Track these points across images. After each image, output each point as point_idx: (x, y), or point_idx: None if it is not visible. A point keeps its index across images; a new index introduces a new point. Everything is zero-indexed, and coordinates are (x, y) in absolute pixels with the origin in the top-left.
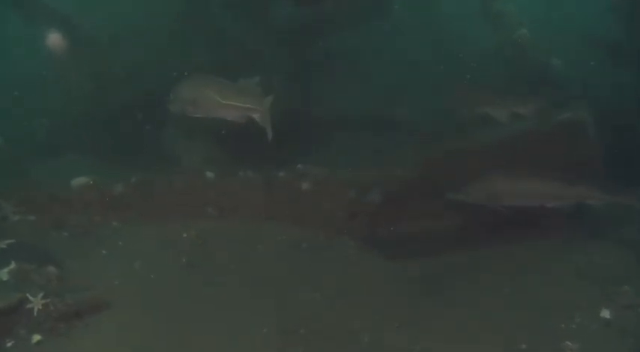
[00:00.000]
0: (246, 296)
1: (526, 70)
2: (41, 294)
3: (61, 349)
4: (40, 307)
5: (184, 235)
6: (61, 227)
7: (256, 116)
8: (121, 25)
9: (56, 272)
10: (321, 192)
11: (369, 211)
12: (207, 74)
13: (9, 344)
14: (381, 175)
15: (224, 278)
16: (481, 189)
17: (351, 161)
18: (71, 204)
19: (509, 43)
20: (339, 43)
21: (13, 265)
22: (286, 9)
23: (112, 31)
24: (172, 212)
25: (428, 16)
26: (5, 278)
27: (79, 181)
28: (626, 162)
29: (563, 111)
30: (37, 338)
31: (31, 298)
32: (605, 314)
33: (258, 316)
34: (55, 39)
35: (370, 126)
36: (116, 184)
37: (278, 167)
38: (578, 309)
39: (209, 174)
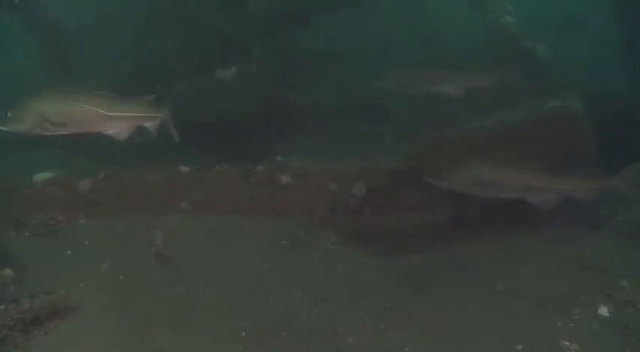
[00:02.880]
0: (223, 296)
1: (511, 57)
2: None
3: None
4: None
5: (156, 234)
6: (21, 226)
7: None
8: (93, 14)
9: (13, 276)
10: (302, 185)
11: (352, 204)
12: (59, 87)
13: None
14: (364, 166)
15: (199, 279)
16: (460, 175)
17: (333, 152)
18: (33, 201)
19: (495, 31)
20: (319, 31)
21: None
22: None
23: (84, 20)
24: (144, 208)
25: (411, 2)
26: None
27: (42, 176)
28: (616, 151)
29: (552, 99)
30: None
31: None
32: (604, 311)
33: (236, 318)
34: (22, 27)
35: (352, 115)
36: (83, 179)
37: (256, 159)
38: (575, 305)
39: (183, 168)
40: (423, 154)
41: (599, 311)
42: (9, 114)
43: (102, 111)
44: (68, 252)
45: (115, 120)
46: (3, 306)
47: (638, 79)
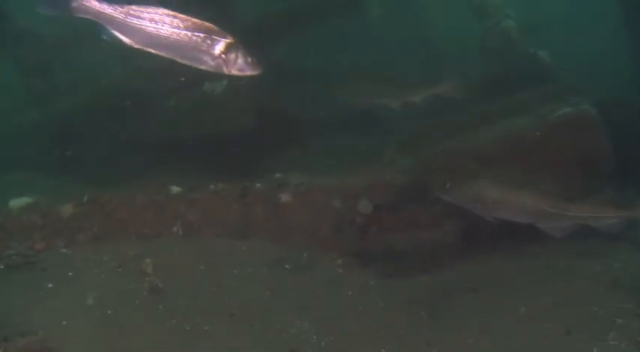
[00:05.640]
0: (222, 329)
1: (513, 62)
2: None
3: None
4: None
5: (146, 262)
6: None
7: None
8: (74, 24)
9: None
10: (304, 203)
11: (358, 223)
12: None
13: None
14: (369, 181)
15: (195, 310)
16: (467, 192)
17: (334, 166)
18: (9, 230)
19: (495, 35)
20: (313, 41)
21: None
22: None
23: (65, 31)
24: (132, 234)
25: (409, 7)
26: None
27: (19, 202)
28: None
29: (562, 105)
30: None
31: None
32: None
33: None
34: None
35: (350, 127)
36: (65, 204)
37: (253, 177)
38: (611, 329)
39: (174, 189)
40: (429, 168)
41: None
42: None
43: None
44: (49, 285)
45: None
46: None
47: None
